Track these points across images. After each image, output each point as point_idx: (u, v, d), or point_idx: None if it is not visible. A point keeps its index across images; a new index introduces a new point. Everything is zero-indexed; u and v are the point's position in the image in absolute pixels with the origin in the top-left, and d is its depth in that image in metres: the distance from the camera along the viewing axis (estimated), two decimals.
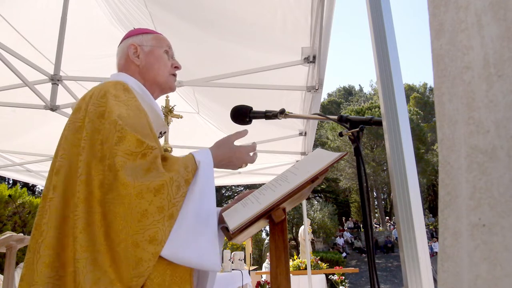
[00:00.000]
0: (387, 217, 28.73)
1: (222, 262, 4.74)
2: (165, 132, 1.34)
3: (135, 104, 1.12)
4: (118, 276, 0.91)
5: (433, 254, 17.38)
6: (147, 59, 1.30)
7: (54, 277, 0.94)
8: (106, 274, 0.91)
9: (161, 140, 2.18)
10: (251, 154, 1.24)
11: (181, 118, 3.41)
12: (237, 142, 1.23)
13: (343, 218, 28.72)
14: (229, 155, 1.19)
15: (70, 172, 1.02)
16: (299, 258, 8.30)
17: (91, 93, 1.12)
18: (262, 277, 8.19)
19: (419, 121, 30.17)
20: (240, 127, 1.33)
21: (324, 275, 8.15)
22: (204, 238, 1.01)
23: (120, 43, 1.37)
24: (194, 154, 1.12)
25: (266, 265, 10.48)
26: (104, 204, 0.94)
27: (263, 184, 1.20)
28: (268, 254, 9.63)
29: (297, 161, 5.26)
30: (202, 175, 1.07)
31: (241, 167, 1.24)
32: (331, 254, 17.66)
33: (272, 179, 1.17)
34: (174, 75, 1.38)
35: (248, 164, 1.25)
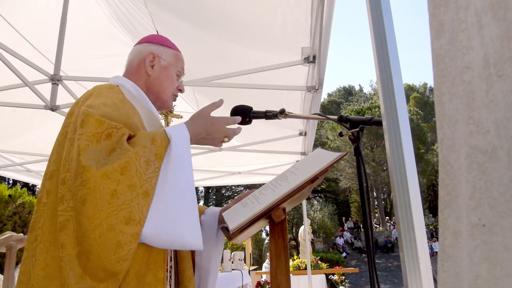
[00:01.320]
0: (387, 217, 28.73)
1: (222, 262, 4.74)
2: None
3: (116, 96, 1.10)
4: (88, 269, 0.88)
5: (433, 254, 17.37)
6: (160, 73, 1.29)
7: (50, 277, 0.93)
8: (75, 271, 0.88)
9: None
10: (233, 126, 1.18)
11: (181, 118, 3.41)
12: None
13: (343, 218, 28.72)
14: (205, 127, 1.12)
15: (59, 175, 1.01)
16: (299, 258, 8.30)
17: (82, 97, 1.11)
18: (262, 277, 8.19)
19: (419, 121, 30.17)
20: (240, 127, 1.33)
21: (324, 275, 8.15)
22: (184, 215, 0.96)
23: (140, 43, 1.35)
24: (166, 128, 1.07)
25: (266, 265, 10.49)
26: (74, 194, 0.91)
27: (263, 184, 1.20)
28: (268, 254, 9.62)
29: (297, 161, 5.26)
30: (176, 149, 1.01)
31: (223, 141, 1.17)
32: (331, 254, 17.66)
33: (272, 179, 1.17)
34: (176, 96, 1.37)
35: (231, 139, 1.18)
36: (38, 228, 0.97)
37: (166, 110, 1.39)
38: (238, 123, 1.24)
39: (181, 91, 1.38)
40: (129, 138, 1.02)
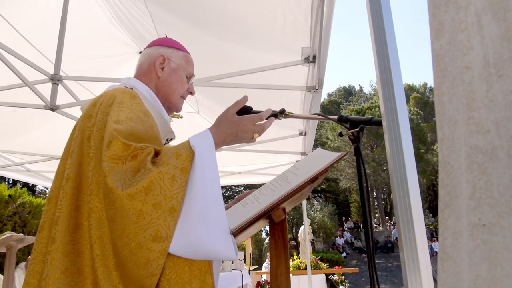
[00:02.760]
0: (387, 217, 28.74)
1: (222, 262, 4.74)
2: (172, 139, 1.33)
3: (140, 108, 1.11)
4: (123, 280, 0.92)
5: (433, 254, 17.39)
6: (170, 75, 1.30)
7: (69, 284, 0.95)
8: (112, 278, 0.92)
9: None
10: (261, 122, 1.14)
11: (181, 118, 3.41)
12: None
13: (343, 218, 28.73)
14: (231, 130, 1.10)
15: (81, 180, 1.02)
16: (299, 258, 8.30)
17: (102, 100, 1.11)
18: (262, 277, 8.19)
19: (419, 121, 30.18)
20: None
21: (324, 275, 8.15)
22: (213, 226, 0.95)
23: (149, 47, 1.36)
24: (190, 139, 1.06)
25: (266, 265, 10.49)
26: (106, 211, 0.95)
27: (263, 184, 1.20)
28: (268, 254, 9.62)
29: (297, 161, 5.26)
30: (200, 161, 1.01)
31: (253, 138, 1.14)
32: (331, 254, 17.66)
33: (272, 179, 1.16)
34: (184, 98, 1.38)
35: (262, 134, 1.15)
36: (57, 231, 0.98)
37: (175, 112, 1.39)
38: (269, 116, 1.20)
39: (191, 93, 1.38)
40: (156, 153, 1.03)
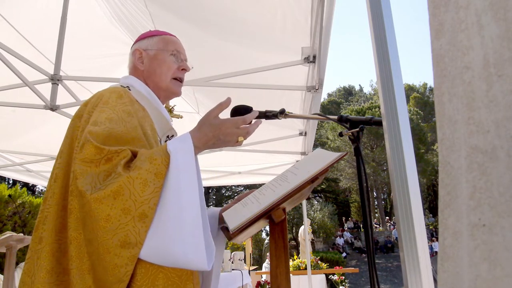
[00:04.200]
0: (387, 217, 28.74)
1: (222, 262, 4.73)
2: (173, 136, 1.31)
3: (123, 109, 1.10)
4: (95, 284, 0.92)
5: (433, 254, 17.39)
6: (150, 64, 1.30)
7: (55, 282, 0.95)
8: (84, 280, 0.92)
9: None
10: (246, 125, 1.08)
11: (181, 118, 3.41)
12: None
13: (343, 218, 28.74)
14: (213, 133, 1.03)
15: (65, 180, 1.03)
16: (299, 258, 8.30)
17: (92, 100, 1.12)
18: (262, 277, 8.19)
19: (419, 121, 30.18)
20: None
21: (324, 275, 8.15)
22: (186, 234, 0.91)
23: (131, 47, 1.40)
24: (168, 142, 1.02)
25: (266, 265, 10.48)
26: (80, 214, 0.95)
27: (263, 184, 1.20)
28: (268, 254, 9.62)
29: (297, 161, 5.26)
30: (175, 164, 0.96)
31: (237, 142, 1.07)
32: (331, 254, 17.67)
33: (272, 179, 1.16)
34: (178, 79, 1.33)
35: (248, 137, 1.09)
36: (44, 231, 0.99)
37: (175, 96, 1.37)
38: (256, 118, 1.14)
39: (185, 70, 1.35)
40: (135, 155, 1.01)
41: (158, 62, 1.30)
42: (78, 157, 0.97)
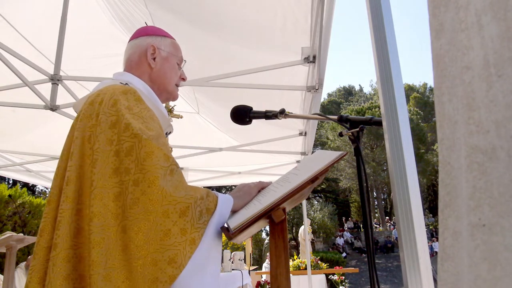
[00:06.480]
0: (387, 217, 28.75)
1: (222, 262, 4.74)
2: (170, 132, 1.32)
3: (148, 114, 1.08)
4: None
5: (433, 254, 17.39)
6: (162, 65, 1.27)
7: None
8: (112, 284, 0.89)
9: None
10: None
11: (181, 118, 3.41)
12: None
13: (343, 218, 28.73)
14: (244, 202, 1.15)
15: (82, 183, 0.99)
16: (299, 258, 8.30)
17: (100, 100, 1.06)
18: (262, 277, 8.19)
19: (419, 121, 30.19)
20: (240, 127, 1.33)
21: (324, 275, 8.15)
22: (209, 274, 0.97)
23: (135, 37, 1.31)
24: (215, 192, 1.08)
25: (266, 265, 10.48)
26: (126, 218, 0.92)
27: None
28: (268, 254, 9.62)
29: (297, 161, 5.26)
30: (219, 213, 1.03)
31: None
32: (331, 254, 17.67)
33: (272, 179, 1.16)
34: (178, 85, 1.37)
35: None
36: (58, 236, 0.95)
37: (173, 100, 1.38)
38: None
39: (183, 79, 1.36)
40: None
41: (169, 66, 1.28)
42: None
